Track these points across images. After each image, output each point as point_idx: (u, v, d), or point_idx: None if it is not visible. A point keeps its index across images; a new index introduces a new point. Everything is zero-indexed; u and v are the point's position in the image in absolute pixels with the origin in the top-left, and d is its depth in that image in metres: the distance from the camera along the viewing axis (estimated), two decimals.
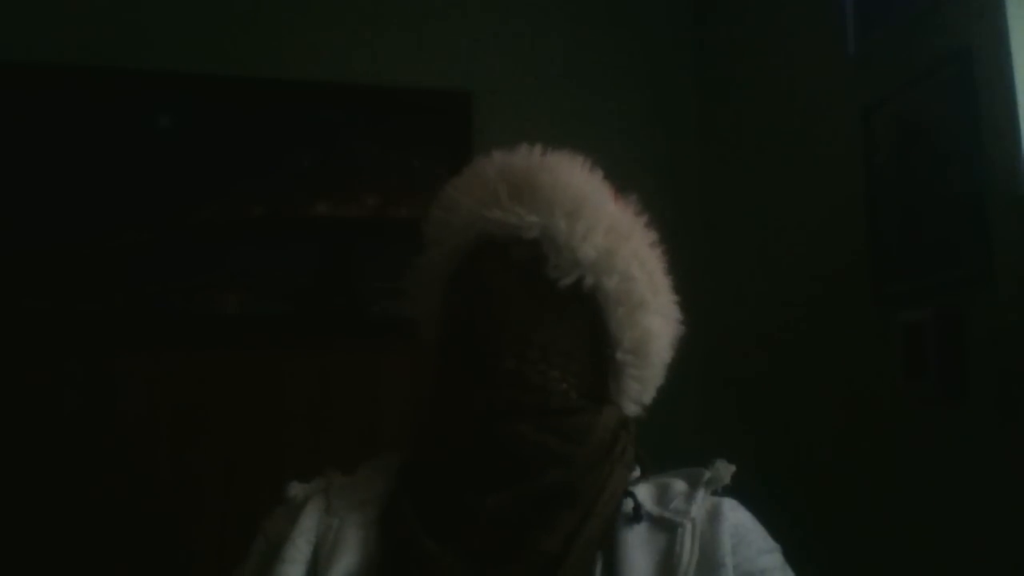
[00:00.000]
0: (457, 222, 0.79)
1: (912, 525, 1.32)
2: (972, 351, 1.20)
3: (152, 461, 1.74)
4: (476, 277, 0.78)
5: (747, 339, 1.88)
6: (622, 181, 0.85)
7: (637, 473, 0.79)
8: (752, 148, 1.92)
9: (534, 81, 2.07)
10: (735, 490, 0.78)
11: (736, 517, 0.75)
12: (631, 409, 0.82)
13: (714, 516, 0.74)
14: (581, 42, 2.13)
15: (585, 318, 0.77)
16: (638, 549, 0.71)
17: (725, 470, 0.77)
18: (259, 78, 1.94)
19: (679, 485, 0.77)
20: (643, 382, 0.81)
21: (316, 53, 1.98)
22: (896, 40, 1.40)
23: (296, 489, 0.80)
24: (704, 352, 2.00)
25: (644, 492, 0.76)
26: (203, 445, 1.76)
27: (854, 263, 1.49)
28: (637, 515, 0.73)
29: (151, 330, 1.83)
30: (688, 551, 0.70)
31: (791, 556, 0.78)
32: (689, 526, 0.72)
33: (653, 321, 0.80)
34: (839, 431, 1.53)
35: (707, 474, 0.77)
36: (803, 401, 1.66)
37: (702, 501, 0.74)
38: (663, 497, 0.76)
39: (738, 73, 2.01)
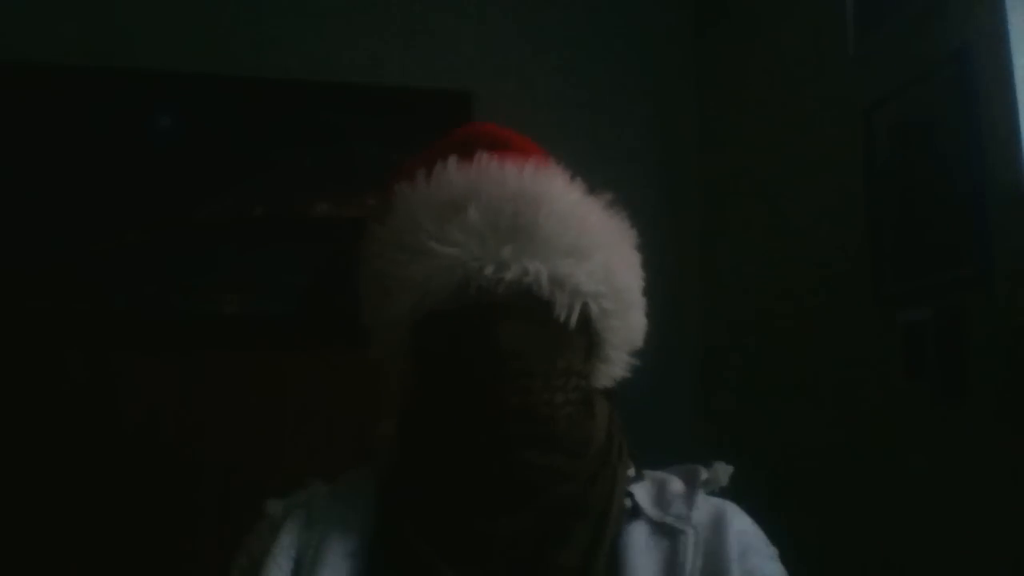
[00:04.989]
0: (434, 268, 0.71)
1: (912, 525, 1.32)
2: (972, 351, 1.20)
3: (151, 461, 1.74)
4: (463, 319, 0.71)
5: (747, 339, 1.88)
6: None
7: (633, 471, 0.78)
8: (752, 148, 1.92)
9: (534, 81, 2.07)
10: (732, 489, 0.78)
11: (741, 523, 0.75)
12: (604, 384, 0.81)
13: (718, 522, 0.74)
14: (581, 41, 2.13)
15: (579, 331, 0.74)
16: (641, 553, 0.71)
17: (723, 472, 0.77)
18: (259, 78, 1.94)
19: (676, 484, 0.77)
20: (624, 366, 0.81)
21: (316, 53, 1.98)
22: (896, 40, 1.40)
23: (275, 506, 0.78)
24: (704, 351, 2.01)
25: (641, 491, 0.76)
26: (202, 446, 1.76)
27: (854, 263, 1.49)
28: (636, 514, 0.73)
29: (151, 330, 1.82)
30: (691, 559, 0.70)
31: (790, 555, 0.78)
32: (691, 533, 0.72)
33: (640, 316, 0.80)
34: (839, 431, 1.53)
35: (704, 474, 0.77)
36: (803, 401, 1.65)
37: (702, 504, 0.74)
38: (661, 498, 0.76)
39: (738, 73, 2.01)
